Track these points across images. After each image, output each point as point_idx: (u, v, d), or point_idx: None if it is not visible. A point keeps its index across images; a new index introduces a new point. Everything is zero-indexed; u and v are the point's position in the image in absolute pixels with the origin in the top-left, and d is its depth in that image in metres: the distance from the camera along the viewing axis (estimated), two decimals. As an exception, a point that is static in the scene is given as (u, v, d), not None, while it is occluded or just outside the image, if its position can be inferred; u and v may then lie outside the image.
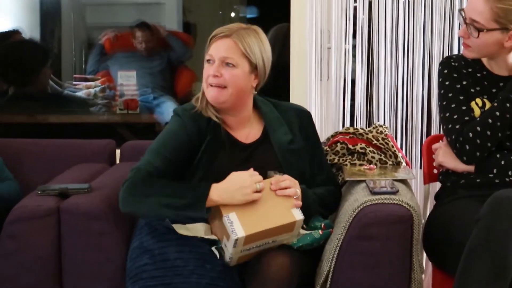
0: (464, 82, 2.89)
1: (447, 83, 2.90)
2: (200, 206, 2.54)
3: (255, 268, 2.53)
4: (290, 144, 2.79)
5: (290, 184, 2.62)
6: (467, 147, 2.79)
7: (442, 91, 2.91)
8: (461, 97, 2.85)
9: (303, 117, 2.88)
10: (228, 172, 2.60)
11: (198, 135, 2.72)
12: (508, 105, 2.77)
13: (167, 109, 5.22)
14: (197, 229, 2.62)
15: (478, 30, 2.75)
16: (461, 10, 2.84)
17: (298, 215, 2.58)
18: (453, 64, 2.93)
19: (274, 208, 2.56)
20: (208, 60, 2.72)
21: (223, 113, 2.77)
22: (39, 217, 2.71)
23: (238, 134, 2.80)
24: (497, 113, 2.78)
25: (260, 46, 2.73)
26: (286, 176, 2.65)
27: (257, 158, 2.77)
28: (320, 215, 2.77)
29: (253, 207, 2.54)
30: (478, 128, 2.78)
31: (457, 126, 2.82)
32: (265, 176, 2.64)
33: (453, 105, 2.86)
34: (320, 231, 2.67)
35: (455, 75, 2.90)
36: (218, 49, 2.69)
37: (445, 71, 2.93)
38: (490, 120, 2.78)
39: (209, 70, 2.70)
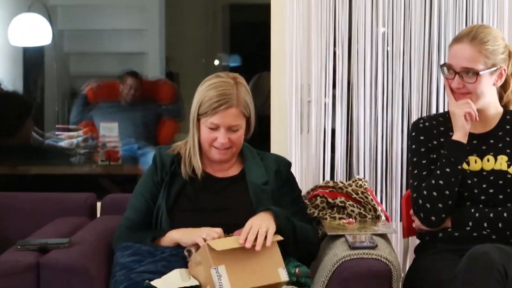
0: (435, 142, 2.92)
1: (413, 146, 2.95)
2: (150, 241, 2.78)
3: None
4: (264, 185, 2.88)
5: (257, 227, 2.64)
6: (422, 214, 2.83)
7: (409, 155, 2.97)
8: (424, 161, 2.89)
9: (281, 163, 2.99)
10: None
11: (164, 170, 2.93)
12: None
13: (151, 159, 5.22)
14: (174, 277, 2.61)
15: (475, 74, 2.79)
16: (444, 64, 2.86)
17: (284, 277, 2.61)
18: (421, 125, 2.96)
19: (262, 265, 2.59)
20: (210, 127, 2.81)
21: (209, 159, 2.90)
22: (19, 272, 2.69)
23: (215, 172, 2.92)
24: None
25: (250, 98, 2.86)
26: (248, 224, 2.66)
27: (231, 192, 2.88)
28: (296, 257, 2.78)
29: (242, 261, 2.57)
30: (425, 192, 2.81)
31: (414, 195, 2.86)
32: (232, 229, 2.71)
33: (415, 171, 2.90)
34: None
35: (422, 137, 2.93)
36: (224, 119, 2.79)
37: (413, 134, 2.97)
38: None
39: (213, 134, 2.81)
